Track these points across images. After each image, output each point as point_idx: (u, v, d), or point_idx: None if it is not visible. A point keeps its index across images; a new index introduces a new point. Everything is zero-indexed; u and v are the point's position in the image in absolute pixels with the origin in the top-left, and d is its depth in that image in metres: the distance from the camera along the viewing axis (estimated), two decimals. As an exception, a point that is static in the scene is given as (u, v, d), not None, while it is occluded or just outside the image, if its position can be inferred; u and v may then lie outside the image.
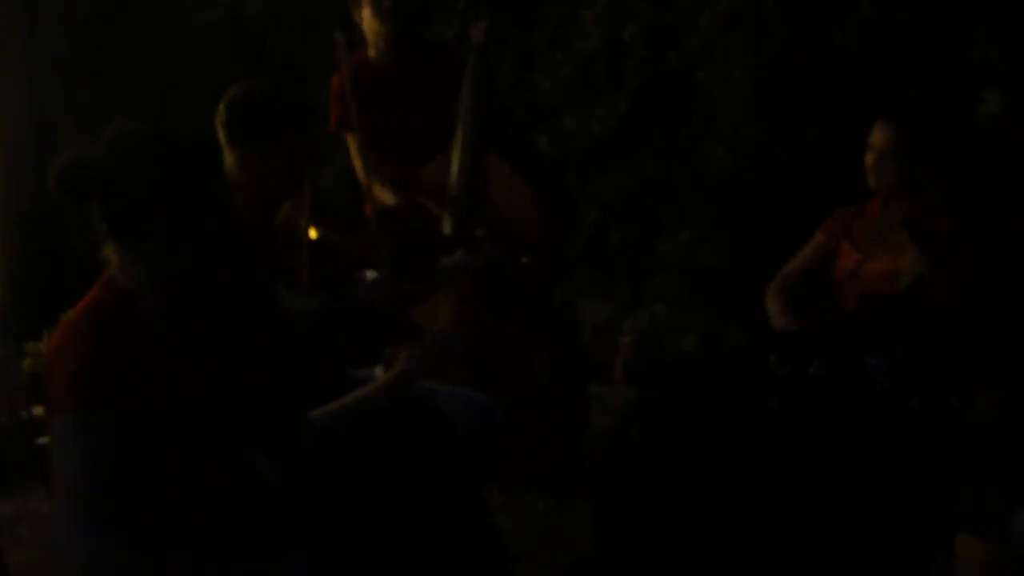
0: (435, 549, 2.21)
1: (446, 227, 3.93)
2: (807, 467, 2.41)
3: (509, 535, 3.55)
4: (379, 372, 2.77)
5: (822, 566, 2.26)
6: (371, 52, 4.19)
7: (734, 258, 4.83)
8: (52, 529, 1.95)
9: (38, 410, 3.88)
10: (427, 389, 2.88)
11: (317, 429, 2.28)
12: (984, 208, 3.80)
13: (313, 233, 2.95)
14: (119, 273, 2.06)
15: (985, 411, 2.33)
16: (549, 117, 5.36)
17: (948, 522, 2.11)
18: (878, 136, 3.46)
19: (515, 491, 3.96)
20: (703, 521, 2.39)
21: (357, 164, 4.18)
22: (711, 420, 2.62)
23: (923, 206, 3.38)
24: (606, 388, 4.61)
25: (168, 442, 2.00)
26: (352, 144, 4.19)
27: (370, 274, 3.10)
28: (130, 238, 2.04)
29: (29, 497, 3.91)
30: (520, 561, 3.30)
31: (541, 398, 3.99)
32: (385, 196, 4.05)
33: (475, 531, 2.31)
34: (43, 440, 2.08)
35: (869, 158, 3.48)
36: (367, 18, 4.09)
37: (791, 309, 3.51)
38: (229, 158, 2.77)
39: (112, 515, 1.91)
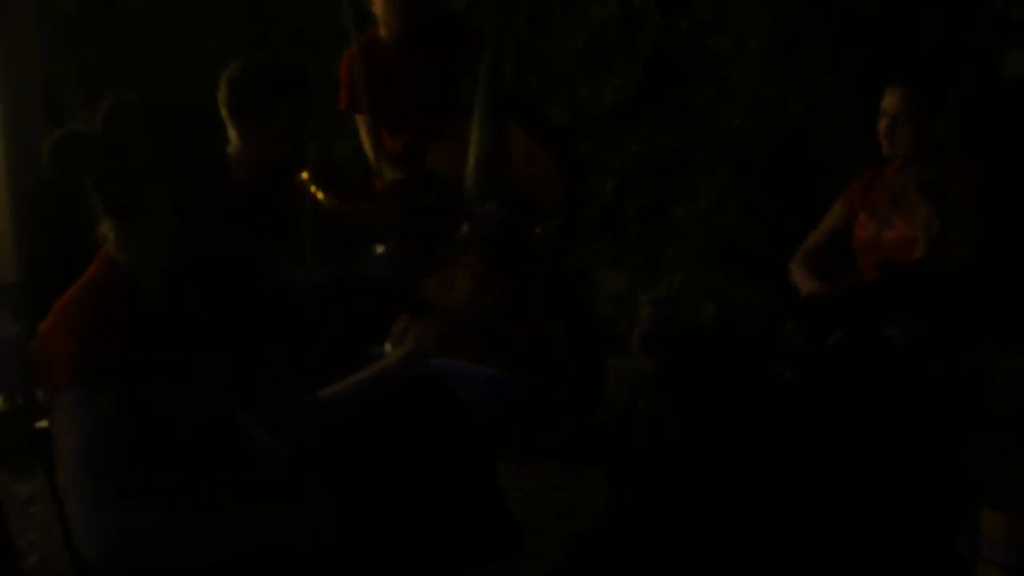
0: (444, 528, 2.18)
1: (466, 200, 3.89)
2: (824, 438, 2.36)
3: (525, 508, 3.56)
4: (388, 348, 2.73)
5: (840, 541, 2.21)
6: (382, 31, 4.15)
7: (751, 224, 4.78)
8: (68, 507, 1.90)
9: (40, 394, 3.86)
10: (438, 364, 2.85)
11: (321, 405, 2.25)
12: (1004, 169, 3.73)
13: (322, 197, 2.92)
14: (115, 250, 2.02)
15: (1008, 380, 2.27)
16: (563, 85, 5.30)
17: (971, 496, 2.05)
18: (889, 101, 3.39)
19: (531, 464, 3.94)
20: (717, 492, 2.35)
21: (366, 145, 4.16)
22: (725, 390, 2.58)
23: (941, 169, 3.31)
24: (623, 359, 4.57)
25: (169, 416, 1.97)
26: (361, 125, 4.17)
27: (380, 249, 3.06)
28: (126, 213, 2.00)
29: (43, 479, 3.89)
30: (536, 534, 3.28)
31: (558, 368, 3.97)
32: (394, 177, 4.03)
33: (485, 510, 2.27)
34: (42, 424, 2.02)
35: (882, 124, 3.41)
36: None
37: (818, 276, 3.47)
38: (231, 132, 2.78)
39: (125, 485, 1.87)
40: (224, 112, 2.79)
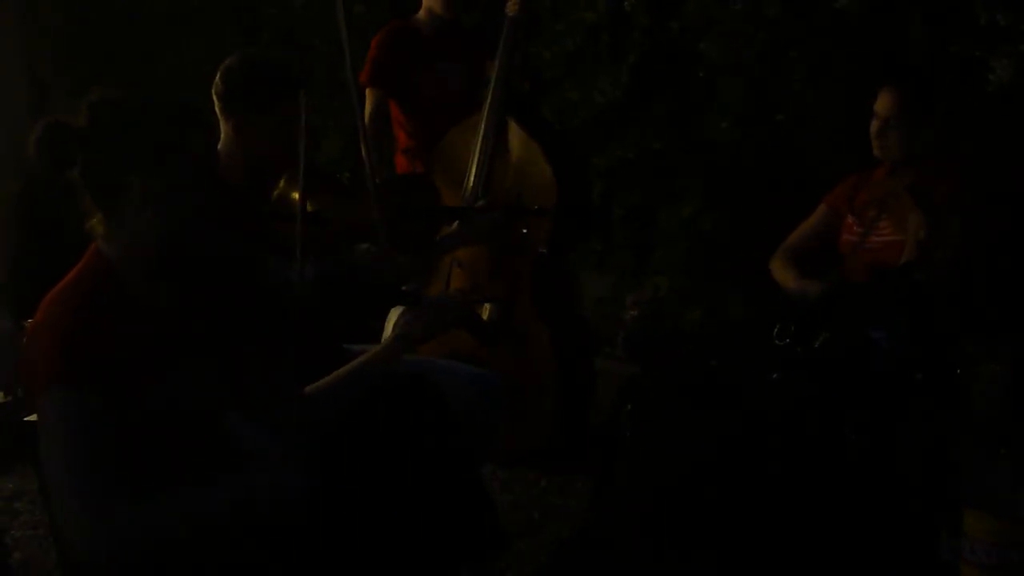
0: (428, 526, 2.18)
1: (465, 192, 3.91)
2: (810, 442, 2.37)
3: (511, 511, 3.56)
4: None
5: (825, 543, 2.22)
6: (424, 15, 4.26)
7: (737, 229, 4.79)
8: (55, 507, 1.91)
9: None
10: (426, 363, 2.85)
11: (308, 403, 2.25)
12: (991, 175, 3.75)
13: (309, 205, 2.91)
14: (104, 243, 2.03)
15: (992, 384, 2.29)
16: (551, 88, 5.30)
17: (954, 498, 2.07)
18: (883, 103, 3.40)
19: (517, 467, 3.94)
20: (702, 496, 2.36)
21: (367, 120, 4.20)
22: (711, 394, 2.58)
23: (929, 173, 3.32)
24: (609, 362, 4.57)
25: (156, 415, 1.97)
26: (370, 102, 4.20)
27: (368, 247, 3.05)
28: (111, 204, 2.00)
29: (28, 475, 3.88)
30: (521, 537, 3.29)
31: (539, 371, 3.96)
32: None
33: (470, 509, 2.27)
34: (29, 418, 2.02)
35: (874, 126, 3.42)
36: None
37: (804, 274, 3.48)
38: (224, 128, 2.77)
39: (112, 485, 1.87)
40: (218, 106, 2.79)
